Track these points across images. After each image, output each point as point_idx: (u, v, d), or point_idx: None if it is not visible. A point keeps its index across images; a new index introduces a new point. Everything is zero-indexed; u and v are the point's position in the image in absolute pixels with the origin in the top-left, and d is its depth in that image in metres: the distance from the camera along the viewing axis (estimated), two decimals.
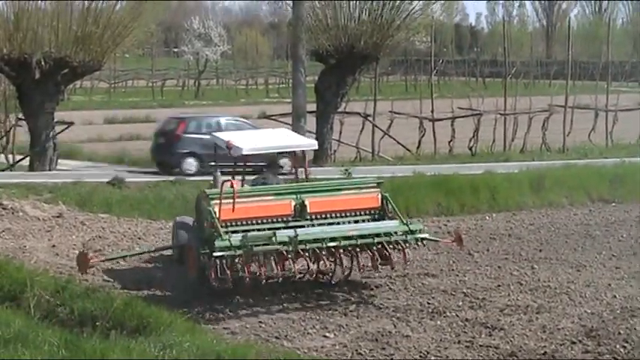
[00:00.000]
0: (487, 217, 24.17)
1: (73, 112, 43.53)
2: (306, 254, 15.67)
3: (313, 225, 16.50)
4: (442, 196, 24.91)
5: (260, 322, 14.99)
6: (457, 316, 15.28)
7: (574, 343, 13.83)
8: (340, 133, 34.43)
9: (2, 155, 32.39)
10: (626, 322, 14.74)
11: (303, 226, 16.33)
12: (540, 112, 36.90)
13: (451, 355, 13.37)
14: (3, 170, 30.58)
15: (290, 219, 16.48)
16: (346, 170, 25.67)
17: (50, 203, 23.66)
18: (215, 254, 15.11)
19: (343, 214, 16.89)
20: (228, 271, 15.14)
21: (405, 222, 16.54)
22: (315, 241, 15.73)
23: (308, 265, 15.77)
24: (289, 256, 15.52)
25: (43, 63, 30.23)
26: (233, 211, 15.78)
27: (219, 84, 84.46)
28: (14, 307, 15.05)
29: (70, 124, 33.15)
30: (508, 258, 19.45)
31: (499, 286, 16.98)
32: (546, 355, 13.31)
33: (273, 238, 15.33)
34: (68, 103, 52.47)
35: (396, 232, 16.29)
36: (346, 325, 14.78)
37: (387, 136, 34.62)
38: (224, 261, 15.14)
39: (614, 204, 25.94)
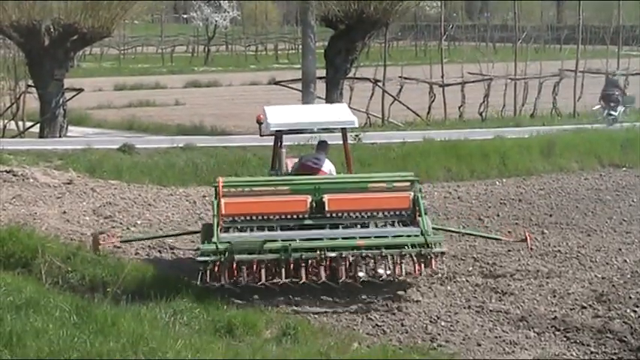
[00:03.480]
0: (497, 183, 24.14)
1: (82, 79, 43.50)
2: (302, 265, 13.90)
3: (330, 225, 14.79)
4: (452, 162, 24.88)
5: (270, 289, 14.94)
6: (467, 281, 15.29)
7: (584, 307, 13.84)
8: (350, 98, 34.29)
9: (12, 122, 32.41)
10: (636, 287, 14.77)
11: (317, 225, 14.73)
12: (551, 77, 36.77)
13: (461, 320, 13.40)
14: (13, 137, 30.61)
15: (306, 216, 14.74)
16: (356, 136, 25.66)
17: (60, 170, 23.70)
18: (198, 259, 13.83)
19: (367, 214, 14.96)
20: (222, 277, 13.79)
21: (424, 232, 14.34)
22: (313, 250, 13.99)
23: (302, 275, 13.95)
24: (283, 266, 13.88)
25: (52, 30, 30.19)
26: (224, 211, 14.39)
27: (228, 50, 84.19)
28: (26, 273, 15.15)
29: (80, 90, 33.13)
30: (518, 223, 19.44)
31: (509, 251, 16.97)
32: (556, 319, 13.33)
33: (265, 246, 13.89)
34: (78, 69, 52.53)
35: (412, 245, 14.24)
36: (356, 290, 14.77)
37: (397, 102, 34.54)
38: (208, 267, 13.72)
39: (624, 169, 25.88)
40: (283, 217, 14.77)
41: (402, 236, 14.47)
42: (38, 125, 31.12)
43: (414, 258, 14.20)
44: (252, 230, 14.67)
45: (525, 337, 12.77)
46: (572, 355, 12.20)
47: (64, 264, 15.31)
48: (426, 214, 14.75)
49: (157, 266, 15.62)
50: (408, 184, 15.19)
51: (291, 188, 14.97)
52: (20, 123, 32.17)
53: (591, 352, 12.25)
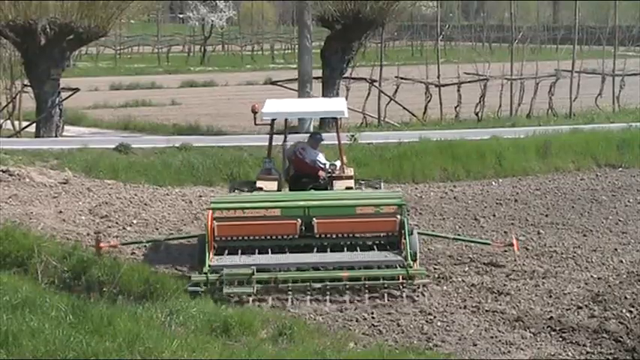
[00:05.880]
0: (493, 183, 24.15)
1: (78, 79, 43.50)
2: (289, 296, 14.32)
3: (319, 246, 15.42)
4: (448, 162, 24.90)
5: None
6: (463, 281, 15.31)
7: (580, 307, 13.86)
8: (346, 98, 34.21)
9: (8, 122, 32.38)
10: (632, 287, 14.77)
11: (307, 247, 15.41)
12: (547, 77, 36.74)
13: (457, 320, 13.41)
14: (9, 137, 30.58)
15: (296, 237, 15.47)
16: (352, 136, 25.69)
17: (56, 169, 23.71)
18: (189, 288, 14.14)
19: (355, 235, 15.71)
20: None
21: (407, 263, 14.78)
22: (299, 281, 14.56)
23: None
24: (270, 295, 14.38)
25: (48, 29, 30.12)
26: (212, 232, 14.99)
27: (224, 50, 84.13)
28: (21, 273, 15.13)
29: (76, 90, 33.08)
30: (514, 223, 19.46)
31: (505, 251, 16.95)
32: (552, 319, 13.35)
33: (252, 277, 14.32)
34: (74, 69, 52.54)
35: (392, 278, 14.66)
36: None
37: (393, 102, 34.53)
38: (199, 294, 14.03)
39: (620, 169, 25.89)
40: (274, 237, 15.46)
41: (386, 267, 14.96)
42: (34, 125, 31.08)
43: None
44: (244, 252, 15.28)
45: (521, 337, 12.78)
46: (567, 355, 12.21)
47: (60, 263, 15.29)
48: (411, 234, 15.22)
49: (153, 266, 15.62)
50: (395, 208, 15.53)
51: (283, 212, 15.53)
52: (16, 122, 32.13)
53: (587, 353, 12.26)
